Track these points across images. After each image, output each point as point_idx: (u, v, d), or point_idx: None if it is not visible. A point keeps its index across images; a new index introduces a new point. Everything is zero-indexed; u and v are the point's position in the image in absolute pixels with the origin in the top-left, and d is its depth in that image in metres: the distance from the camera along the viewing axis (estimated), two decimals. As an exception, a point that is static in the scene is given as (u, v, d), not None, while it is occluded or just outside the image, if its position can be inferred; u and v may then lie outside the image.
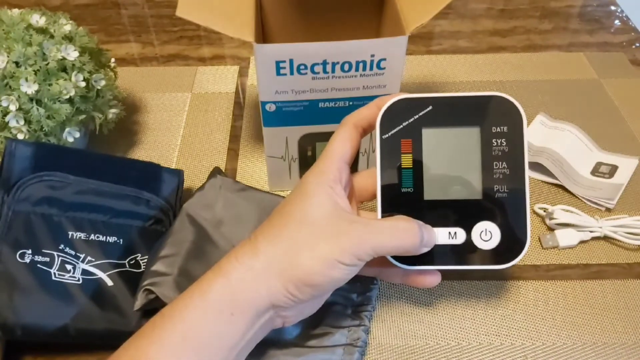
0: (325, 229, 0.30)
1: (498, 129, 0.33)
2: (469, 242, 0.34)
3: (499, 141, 0.33)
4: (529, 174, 0.35)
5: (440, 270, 0.35)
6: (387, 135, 0.34)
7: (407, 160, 0.33)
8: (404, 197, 0.33)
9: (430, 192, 0.33)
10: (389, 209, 0.34)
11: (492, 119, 0.33)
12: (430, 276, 0.35)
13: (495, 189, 0.33)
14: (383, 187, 0.34)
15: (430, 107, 0.33)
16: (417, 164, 0.33)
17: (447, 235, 0.33)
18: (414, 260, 0.33)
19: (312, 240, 0.30)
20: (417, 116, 0.33)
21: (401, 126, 0.33)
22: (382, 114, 0.34)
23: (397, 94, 0.34)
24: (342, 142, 0.34)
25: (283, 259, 0.30)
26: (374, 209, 0.35)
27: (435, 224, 0.33)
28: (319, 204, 0.31)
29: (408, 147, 0.33)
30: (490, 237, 0.33)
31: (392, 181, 0.34)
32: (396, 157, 0.34)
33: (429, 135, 0.33)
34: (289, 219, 0.31)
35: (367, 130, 0.35)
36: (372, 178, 0.34)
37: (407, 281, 0.36)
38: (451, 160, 0.33)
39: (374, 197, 0.35)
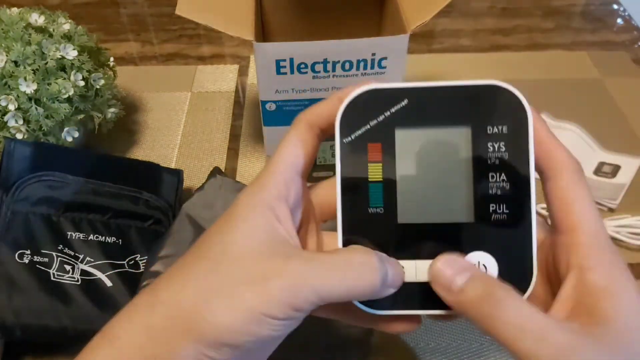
0: (251, 268, 0.22)
1: (495, 130, 0.25)
2: None
3: (496, 145, 0.25)
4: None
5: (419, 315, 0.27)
6: (349, 139, 0.26)
7: (375, 171, 0.26)
8: (371, 220, 0.26)
9: (406, 214, 0.26)
10: (352, 236, 0.26)
11: (487, 116, 0.26)
12: (406, 322, 0.27)
13: (491, 209, 0.25)
14: (345, 207, 0.26)
15: (405, 101, 0.26)
16: (389, 176, 0.26)
17: (428, 270, 0.25)
18: (385, 301, 0.25)
19: (231, 285, 0.22)
20: (389, 113, 0.26)
21: (368, 126, 0.26)
22: (344, 110, 0.26)
23: (364, 83, 0.26)
24: (292, 147, 0.26)
25: (191, 311, 0.22)
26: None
27: (414, 255, 0.26)
28: (248, 232, 0.23)
29: (377, 154, 0.26)
30: (485, 273, 0.25)
31: (356, 199, 0.26)
32: (362, 167, 0.26)
33: (404, 137, 0.26)
34: (205, 256, 0.24)
35: (326, 132, 0.27)
36: (335, 189, 0.27)
37: (376, 326, 0.27)
38: (433, 170, 0.26)
39: None
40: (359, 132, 0.26)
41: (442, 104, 0.26)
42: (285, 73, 0.42)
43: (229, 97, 0.66)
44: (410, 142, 0.26)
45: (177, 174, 0.49)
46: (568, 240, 0.23)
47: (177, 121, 0.62)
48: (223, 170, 0.51)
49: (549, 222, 0.26)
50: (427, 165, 0.26)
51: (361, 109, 0.26)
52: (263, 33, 0.54)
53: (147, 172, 0.48)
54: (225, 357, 0.22)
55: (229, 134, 0.61)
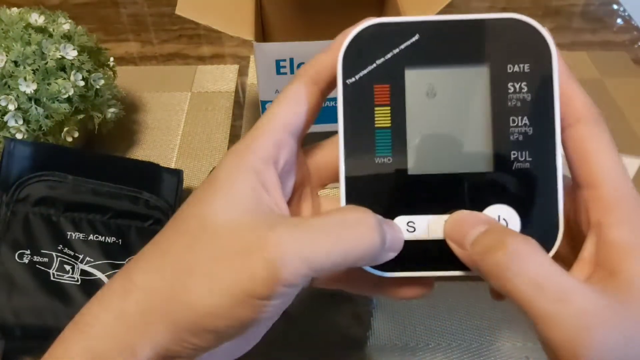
0: (232, 243, 0.20)
1: (516, 68, 0.23)
2: None
3: (517, 86, 0.23)
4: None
5: (432, 278, 0.24)
6: (353, 79, 0.23)
7: (383, 116, 0.23)
8: (378, 172, 0.23)
9: (418, 164, 0.23)
10: (356, 191, 0.23)
11: (507, 54, 0.23)
12: (417, 286, 0.24)
13: (512, 156, 0.23)
14: (348, 157, 0.23)
15: (416, 37, 0.23)
16: (398, 122, 0.23)
17: (442, 226, 0.23)
18: (392, 263, 0.23)
19: (210, 263, 0.20)
20: (397, 50, 0.23)
21: (374, 65, 0.23)
22: (346, 49, 0.23)
23: (368, 18, 0.24)
24: (288, 104, 0.23)
25: (167, 295, 0.20)
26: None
27: (426, 209, 0.23)
28: (229, 202, 0.20)
29: (384, 97, 0.23)
30: (505, 226, 0.23)
31: (361, 148, 0.23)
32: (367, 111, 0.23)
33: (414, 78, 0.23)
34: (182, 230, 0.21)
35: (332, 85, 0.24)
36: (337, 148, 0.24)
37: (383, 292, 0.24)
38: (447, 115, 0.24)
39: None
40: (364, 72, 0.23)
41: (457, 40, 0.23)
42: (285, 73, 0.42)
43: (229, 97, 0.66)
44: (421, 82, 0.23)
45: (177, 174, 0.49)
46: (588, 195, 0.21)
47: (177, 121, 0.62)
48: (223, 170, 0.51)
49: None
50: (440, 108, 0.23)
51: (366, 46, 0.23)
52: (263, 33, 0.54)
53: (147, 172, 0.48)
54: (207, 343, 0.20)
55: (229, 134, 0.61)
